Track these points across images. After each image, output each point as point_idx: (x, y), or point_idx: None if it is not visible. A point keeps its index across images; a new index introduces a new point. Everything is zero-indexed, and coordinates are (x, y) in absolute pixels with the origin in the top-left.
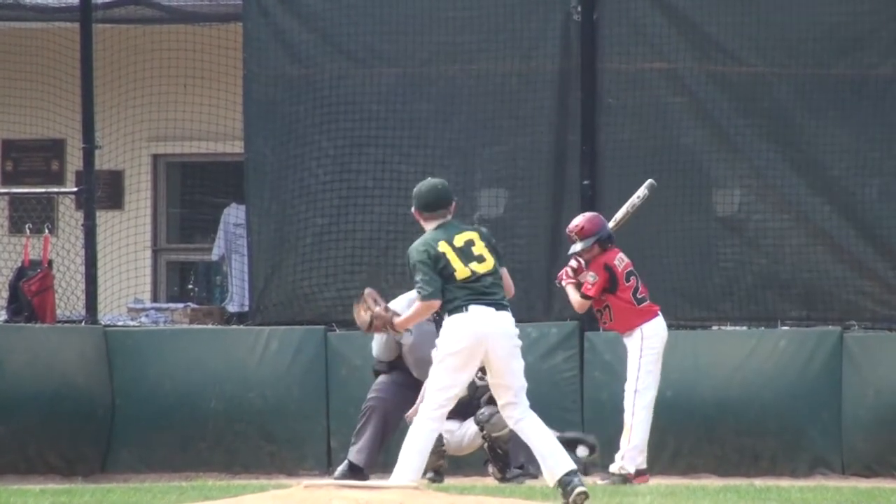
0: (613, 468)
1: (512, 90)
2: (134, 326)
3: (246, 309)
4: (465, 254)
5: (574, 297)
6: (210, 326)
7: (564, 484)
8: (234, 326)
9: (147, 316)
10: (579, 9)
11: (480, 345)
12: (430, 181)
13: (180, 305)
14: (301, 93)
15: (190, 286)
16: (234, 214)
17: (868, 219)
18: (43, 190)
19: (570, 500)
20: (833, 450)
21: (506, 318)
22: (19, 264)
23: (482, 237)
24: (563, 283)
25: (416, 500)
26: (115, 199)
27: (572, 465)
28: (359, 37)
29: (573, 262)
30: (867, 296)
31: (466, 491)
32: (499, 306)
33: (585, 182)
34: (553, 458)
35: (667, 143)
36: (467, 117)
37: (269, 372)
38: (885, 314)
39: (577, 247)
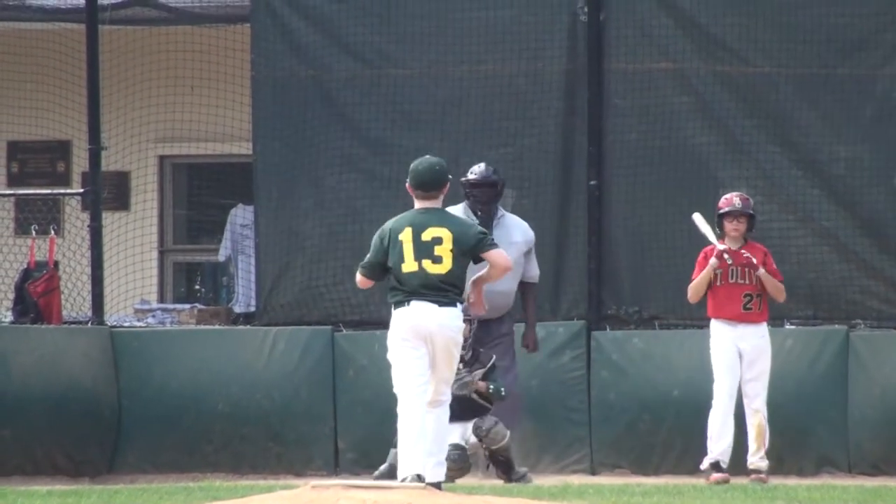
0: (762, 466)
1: (519, 91)
2: (140, 327)
3: (253, 309)
4: (424, 249)
5: (775, 284)
6: (217, 327)
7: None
8: (241, 327)
9: (153, 317)
10: (586, 10)
11: (423, 338)
12: (428, 159)
13: (187, 306)
14: (309, 94)
15: (196, 287)
16: (240, 215)
17: (874, 218)
18: (49, 191)
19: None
20: (839, 449)
21: (448, 314)
22: (25, 265)
23: (455, 240)
24: (720, 264)
25: (423, 501)
26: (121, 201)
27: (438, 479)
28: (367, 38)
29: (722, 247)
30: (873, 295)
31: (474, 491)
32: (441, 303)
33: (592, 182)
34: (431, 456)
35: (673, 144)
36: (475, 118)
37: (276, 372)
38: (890, 313)
39: (733, 205)
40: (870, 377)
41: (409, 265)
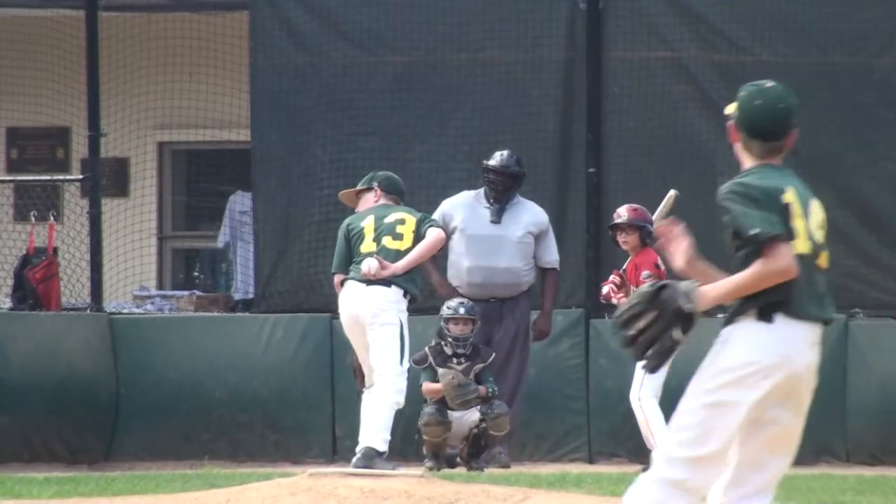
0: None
1: (518, 79)
2: (139, 314)
3: (251, 296)
4: (386, 229)
5: None
6: (215, 314)
7: (357, 452)
8: (240, 314)
9: (152, 303)
10: None
11: (353, 321)
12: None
13: (185, 293)
14: (307, 81)
15: (195, 273)
16: (239, 202)
17: (872, 207)
18: (48, 177)
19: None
20: (837, 438)
21: (372, 294)
22: (24, 252)
23: (417, 222)
24: (615, 299)
25: (421, 489)
26: (120, 187)
27: (370, 445)
28: (365, 25)
29: (615, 278)
30: (872, 284)
31: (472, 479)
32: (370, 282)
33: (591, 170)
34: (364, 430)
35: (671, 132)
36: (473, 106)
37: (274, 359)
38: (889, 302)
39: (620, 218)
40: (868, 367)
41: (367, 245)
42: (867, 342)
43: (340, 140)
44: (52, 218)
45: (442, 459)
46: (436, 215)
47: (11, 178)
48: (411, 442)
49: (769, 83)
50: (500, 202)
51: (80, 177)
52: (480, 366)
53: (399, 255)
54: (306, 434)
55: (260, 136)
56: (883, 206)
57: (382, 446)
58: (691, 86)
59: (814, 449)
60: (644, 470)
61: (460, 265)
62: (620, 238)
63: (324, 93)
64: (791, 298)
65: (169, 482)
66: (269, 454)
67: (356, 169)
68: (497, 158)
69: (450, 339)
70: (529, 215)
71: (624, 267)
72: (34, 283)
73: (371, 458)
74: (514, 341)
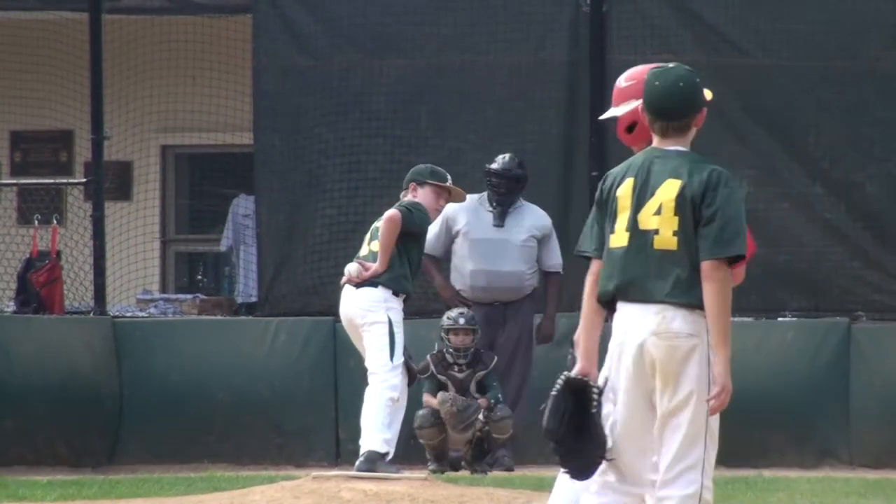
0: None
1: (521, 81)
2: (142, 317)
3: (254, 300)
4: (374, 233)
5: None
6: (219, 317)
7: (360, 455)
8: (243, 317)
9: (156, 307)
10: (589, 0)
11: (349, 323)
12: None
13: (189, 296)
14: (310, 84)
15: (199, 277)
16: (242, 205)
17: (874, 210)
18: (51, 181)
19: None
20: (841, 441)
21: (360, 296)
22: (27, 255)
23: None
24: None
25: (425, 492)
26: (123, 190)
27: (370, 448)
28: (368, 27)
29: None
30: (875, 287)
31: (475, 482)
32: (359, 286)
33: (594, 174)
34: (364, 434)
35: None
36: (476, 108)
37: (277, 363)
38: (892, 305)
39: None
40: (871, 370)
41: (363, 249)
42: (870, 345)
43: (343, 143)
44: (55, 221)
45: (445, 462)
46: (439, 219)
47: (15, 181)
48: (415, 445)
49: (673, 64)
50: (503, 206)
51: (84, 180)
52: (483, 372)
53: (373, 256)
54: (310, 437)
55: (263, 139)
56: (885, 209)
57: (384, 447)
58: None
59: (817, 452)
60: None
61: (464, 269)
62: None
63: (327, 96)
64: (621, 286)
65: (172, 485)
66: (273, 457)
67: (359, 172)
68: (499, 162)
69: (450, 350)
70: (533, 219)
71: None
72: (37, 286)
73: (373, 460)
74: (518, 345)
